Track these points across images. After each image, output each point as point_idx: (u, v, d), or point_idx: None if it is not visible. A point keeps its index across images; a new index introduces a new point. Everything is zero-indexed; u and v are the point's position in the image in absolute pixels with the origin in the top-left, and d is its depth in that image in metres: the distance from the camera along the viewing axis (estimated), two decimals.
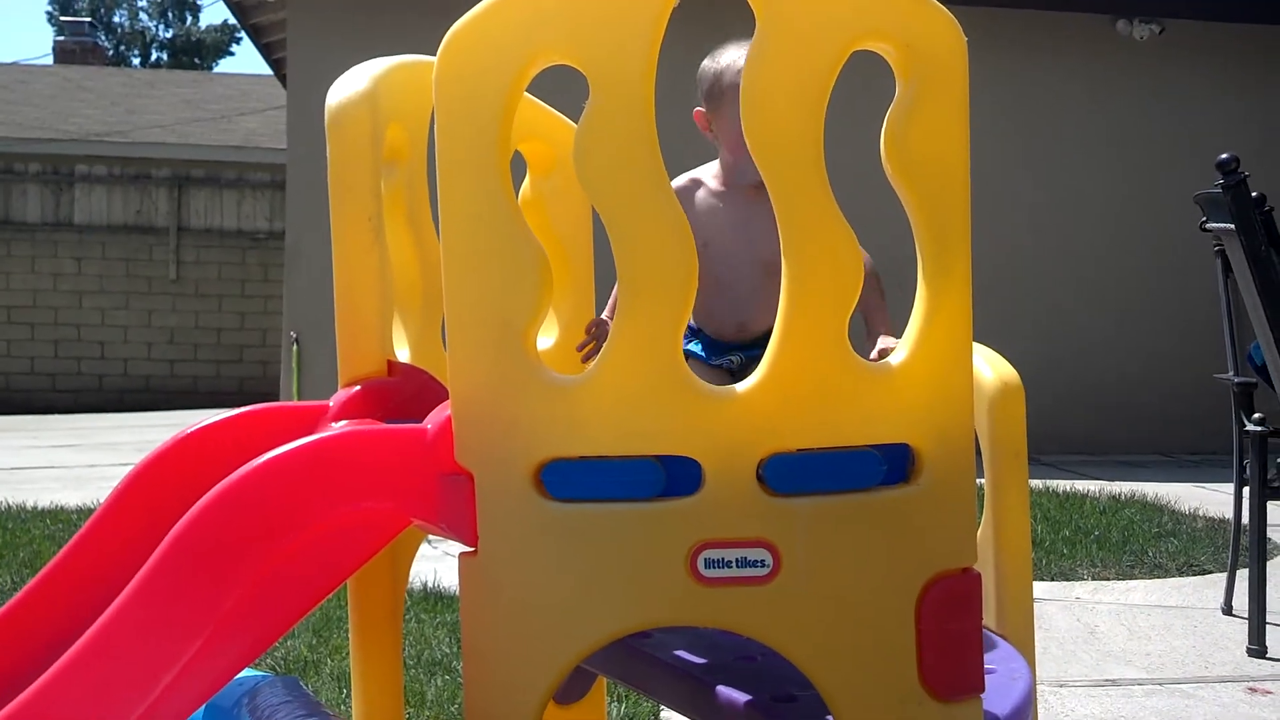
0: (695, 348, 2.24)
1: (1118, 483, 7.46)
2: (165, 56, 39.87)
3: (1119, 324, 9.74)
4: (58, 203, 15.83)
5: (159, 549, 1.45)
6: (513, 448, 1.46)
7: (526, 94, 1.63)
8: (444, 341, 1.53)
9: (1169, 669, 3.81)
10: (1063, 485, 7.18)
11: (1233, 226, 3.99)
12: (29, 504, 6.20)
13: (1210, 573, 5.07)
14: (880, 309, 2.08)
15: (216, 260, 16.02)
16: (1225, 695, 3.55)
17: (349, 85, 1.90)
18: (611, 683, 2.63)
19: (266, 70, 14.00)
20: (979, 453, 1.83)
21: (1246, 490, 4.18)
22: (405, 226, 2.03)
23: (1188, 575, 5.08)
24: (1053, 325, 9.59)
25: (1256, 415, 4.13)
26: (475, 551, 1.48)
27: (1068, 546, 5.41)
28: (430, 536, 1.98)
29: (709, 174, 2.22)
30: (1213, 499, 6.81)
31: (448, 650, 3.64)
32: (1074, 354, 9.61)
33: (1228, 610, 4.43)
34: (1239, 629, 4.14)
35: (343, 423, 1.79)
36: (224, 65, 40.24)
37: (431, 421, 1.55)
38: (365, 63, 1.95)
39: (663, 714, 3.18)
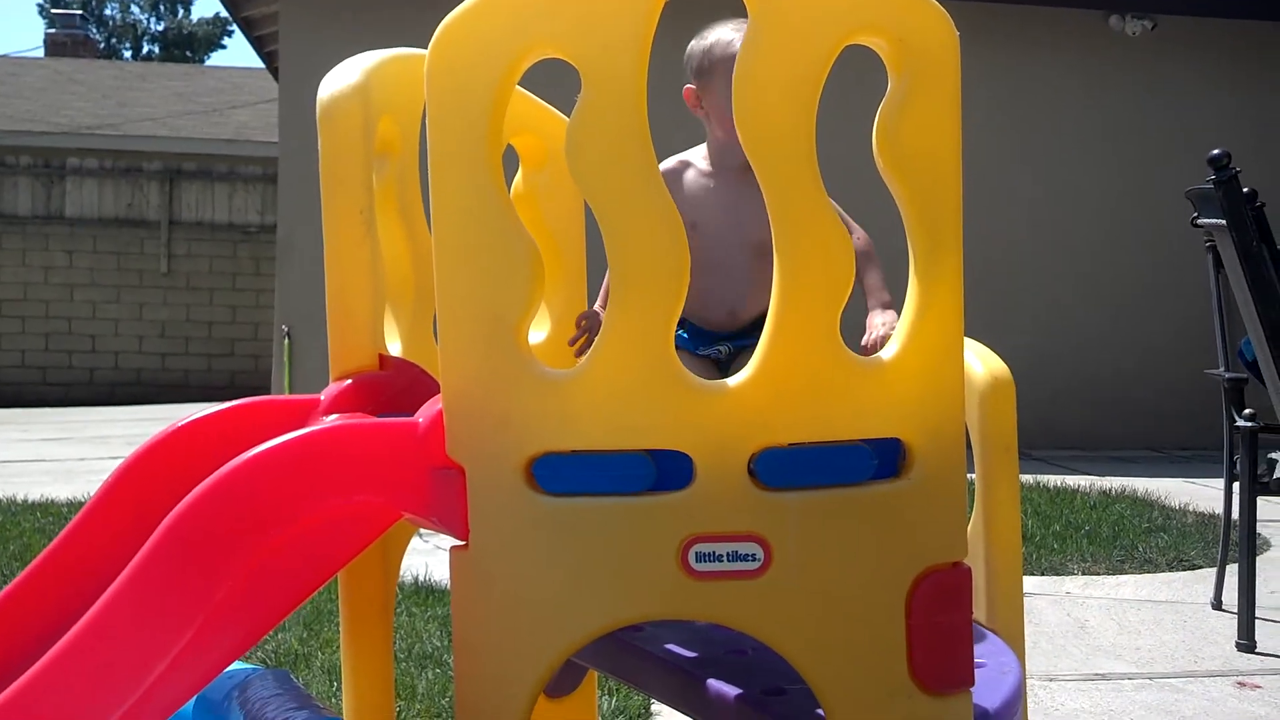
0: (682, 338, 2.22)
1: (1108, 478, 7.49)
2: (157, 49, 39.78)
3: (1114, 319, 9.76)
4: (49, 195, 15.79)
5: (150, 541, 1.45)
6: (504, 442, 1.46)
7: (519, 88, 1.63)
8: (436, 335, 1.53)
9: (1159, 663, 3.82)
10: (1053, 480, 7.20)
11: (1224, 222, 4.00)
12: (19, 497, 6.19)
13: (1200, 568, 5.08)
14: (880, 287, 2.07)
15: (208, 253, 15.99)
16: (1214, 689, 3.57)
17: (340, 78, 1.89)
18: (602, 676, 2.63)
19: (258, 63, 13.98)
20: (970, 447, 1.83)
21: (1237, 485, 4.19)
22: (397, 220, 2.03)
23: (1178, 570, 5.09)
24: (1048, 320, 9.61)
25: (1247, 411, 4.15)
26: (466, 545, 1.48)
27: (1058, 541, 5.43)
28: (421, 530, 1.98)
29: (698, 156, 2.21)
30: (1203, 494, 6.83)
31: (439, 644, 3.64)
32: (1069, 349, 9.63)
33: (1217, 605, 4.45)
34: (1228, 624, 4.15)
35: (334, 416, 1.79)
36: (215, 58, 40.29)
37: (423, 415, 1.55)
38: (357, 56, 1.95)
39: (653, 707, 3.19)
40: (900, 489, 1.50)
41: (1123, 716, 3.33)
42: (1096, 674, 3.71)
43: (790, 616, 1.47)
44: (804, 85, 1.45)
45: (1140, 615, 4.38)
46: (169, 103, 17.74)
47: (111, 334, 15.81)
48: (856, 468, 1.49)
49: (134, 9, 40.29)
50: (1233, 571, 4.24)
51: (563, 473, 1.46)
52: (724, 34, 2.09)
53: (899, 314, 1.56)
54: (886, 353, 1.52)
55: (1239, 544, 4.10)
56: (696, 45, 2.15)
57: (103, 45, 34.72)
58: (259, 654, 3.51)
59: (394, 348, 2.01)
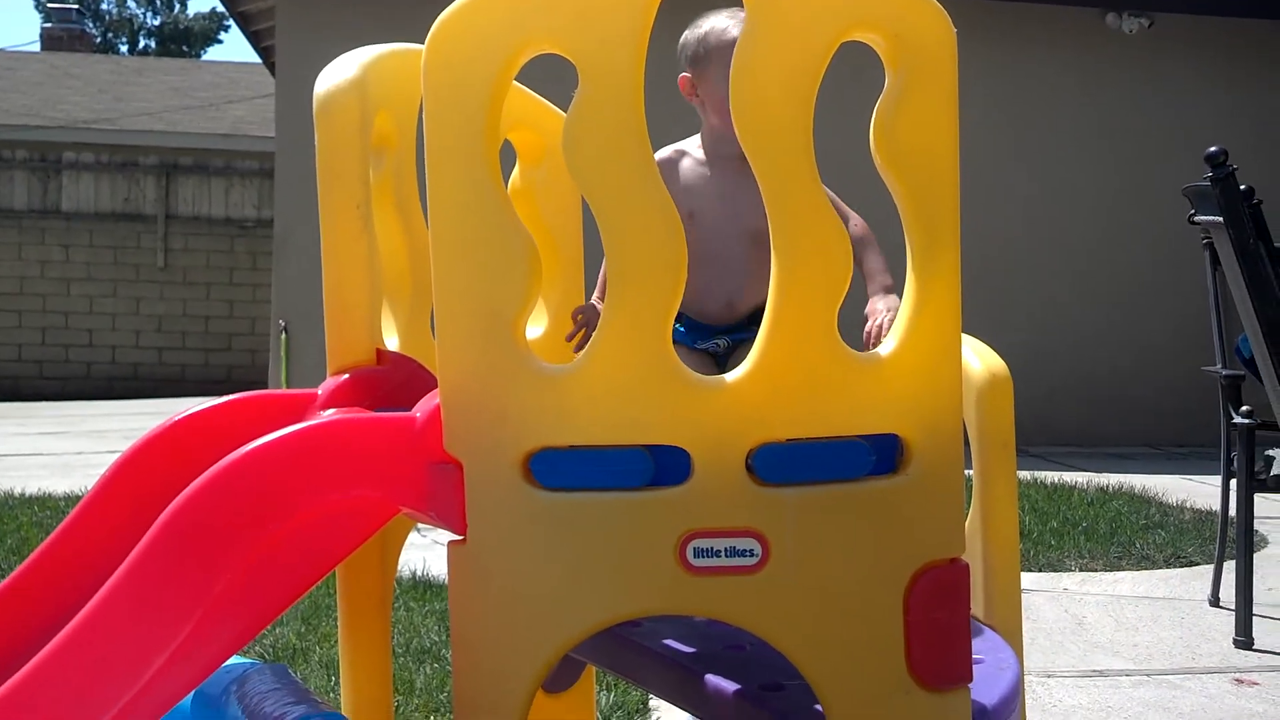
0: (679, 332, 2.21)
1: (1105, 474, 7.49)
2: (153, 44, 39.72)
3: (1111, 317, 9.77)
4: (45, 190, 15.78)
5: (148, 534, 1.45)
6: (501, 437, 1.46)
7: (516, 83, 1.63)
8: (433, 330, 1.53)
9: (1156, 660, 3.82)
10: (1051, 477, 7.20)
11: (1221, 220, 4.00)
12: (16, 491, 6.19)
13: (1197, 564, 5.09)
14: (881, 270, 2.06)
15: (205, 248, 15.98)
16: (1212, 686, 3.57)
17: (337, 73, 1.89)
18: (600, 671, 2.63)
19: (255, 58, 13.96)
20: (967, 444, 1.83)
21: (1234, 482, 4.19)
22: (394, 215, 2.03)
23: (1175, 567, 5.10)
24: (1044, 317, 9.61)
25: (1244, 408, 4.15)
26: (464, 540, 1.48)
27: (1055, 538, 5.43)
28: (419, 525, 1.98)
29: (693, 145, 2.20)
30: (1200, 491, 6.84)
31: (436, 638, 3.64)
32: (1066, 346, 9.63)
33: (1215, 602, 4.45)
34: (1226, 620, 4.16)
35: (331, 411, 1.79)
36: (212, 53, 40.14)
37: (420, 410, 1.55)
38: (354, 50, 1.94)
39: (651, 703, 3.19)
40: (898, 485, 1.50)
41: (1120, 713, 3.33)
42: (1094, 670, 3.71)
43: (788, 612, 1.47)
44: (801, 81, 1.45)
45: (1138, 612, 4.38)
46: (165, 97, 17.71)
47: (109, 328, 15.80)
48: (854, 464, 1.49)
49: (130, 3, 40.23)
50: (1230, 568, 4.24)
51: (560, 468, 1.46)
52: (718, 22, 2.10)
53: (900, 298, 1.56)
54: (884, 348, 1.52)
55: (1236, 541, 4.10)
56: (691, 34, 2.15)
57: (99, 39, 34.68)
58: (257, 648, 3.51)
59: (391, 342, 2.00)
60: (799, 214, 1.46)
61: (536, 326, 2.24)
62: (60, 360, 15.70)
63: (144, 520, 1.57)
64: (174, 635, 1.42)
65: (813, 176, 1.47)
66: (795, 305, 1.46)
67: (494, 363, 1.46)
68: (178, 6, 40.63)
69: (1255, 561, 4.17)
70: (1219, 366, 4.36)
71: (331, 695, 3.04)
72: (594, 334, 1.46)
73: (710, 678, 1.67)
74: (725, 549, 1.45)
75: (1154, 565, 5.10)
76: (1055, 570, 4.96)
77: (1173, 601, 4.54)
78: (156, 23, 40.40)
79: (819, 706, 1.48)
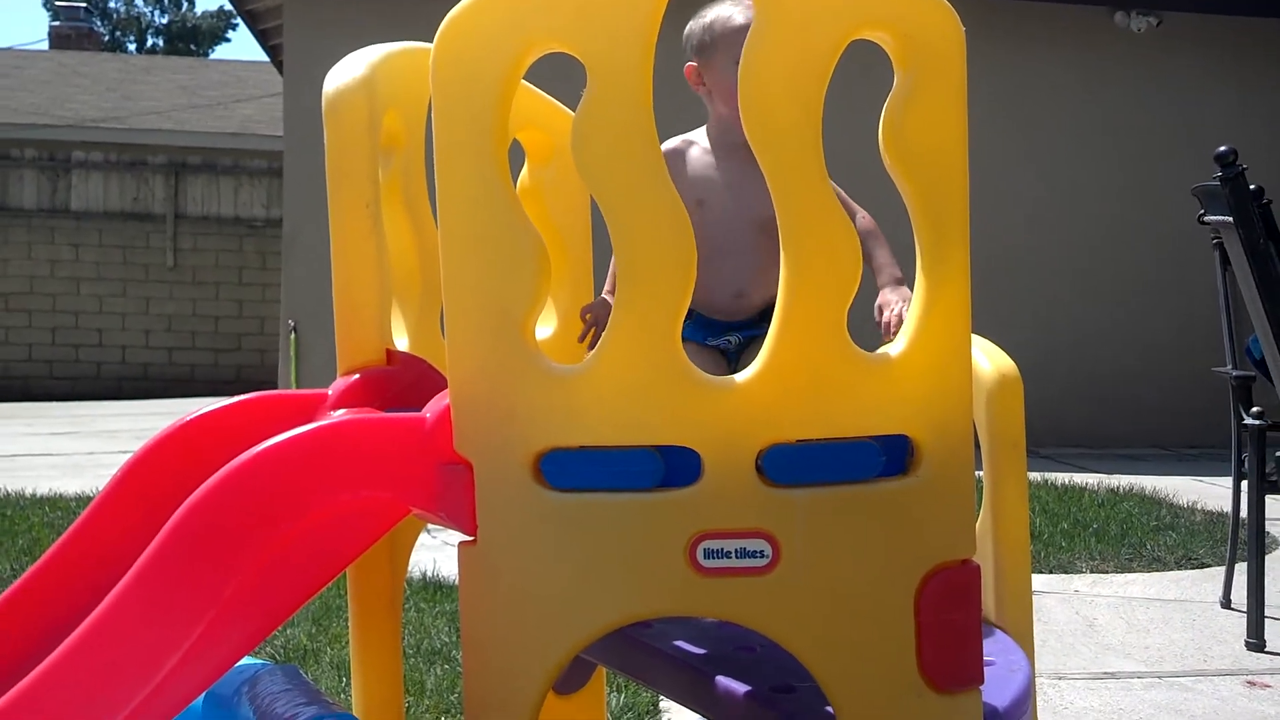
0: (689, 330, 2.19)
1: (1116, 476, 7.47)
2: (161, 42, 39.80)
3: (1117, 316, 9.74)
4: (54, 189, 15.81)
5: (160, 535, 1.45)
6: (511, 437, 1.46)
7: (524, 82, 1.63)
8: (442, 330, 1.52)
9: (1168, 662, 3.81)
10: (1061, 478, 7.19)
11: (1231, 219, 3.99)
12: (27, 491, 6.20)
13: (1209, 566, 5.07)
14: (890, 263, 2.06)
15: (214, 248, 16.01)
16: (1224, 688, 3.56)
17: (346, 72, 1.89)
18: (611, 673, 2.63)
19: (263, 57, 13.96)
20: (977, 445, 1.83)
21: (1245, 484, 4.18)
22: (403, 214, 2.02)
23: (1186, 569, 5.08)
24: (1051, 317, 9.59)
25: (1255, 409, 4.13)
26: (474, 541, 1.48)
27: (1066, 539, 5.41)
28: (429, 525, 1.98)
29: (701, 135, 2.20)
30: (1211, 492, 6.82)
31: (447, 639, 3.64)
32: (1072, 346, 9.61)
33: (1226, 604, 4.43)
34: (1237, 622, 4.14)
35: (341, 411, 1.79)
36: (220, 51, 40.22)
37: (430, 410, 1.55)
38: (362, 49, 1.94)
39: (662, 704, 3.19)
40: (908, 486, 1.50)
41: (1132, 715, 3.32)
42: (1105, 672, 3.70)
43: (799, 613, 1.47)
44: (809, 79, 1.44)
45: (1149, 614, 4.37)
46: (174, 96, 17.75)
47: (118, 328, 15.83)
48: (864, 465, 1.48)
49: (138, 2, 40.32)
50: (1241, 570, 4.23)
51: (570, 468, 1.46)
52: (724, 9, 2.09)
53: (911, 289, 1.55)
54: (894, 348, 1.52)
55: (1247, 542, 4.08)
56: (696, 23, 2.14)
57: (107, 38, 34.74)
58: (268, 649, 3.51)
59: (401, 342, 2.00)
60: (807, 213, 1.46)
61: (546, 326, 2.24)
62: (70, 360, 15.73)
63: (155, 521, 1.57)
64: (186, 636, 1.42)
65: (821, 175, 1.46)
66: (804, 305, 1.46)
67: (503, 362, 1.46)
68: (186, 5, 40.71)
69: (1267, 563, 4.15)
70: (1229, 367, 4.34)
71: (342, 696, 3.05)
72: (603, 334, 1.46)
73: (721, 679, 1.67)
74: (735, 550, 1.45)
75: (1165, 567, 5.08)
76: (1066, 572, 4.95)
77: (1184, 603, 4.52)
78: (164, 21, 40.49)
79: (830, 708, 1.48)
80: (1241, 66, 9.89)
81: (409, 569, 2.22)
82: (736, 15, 2.05)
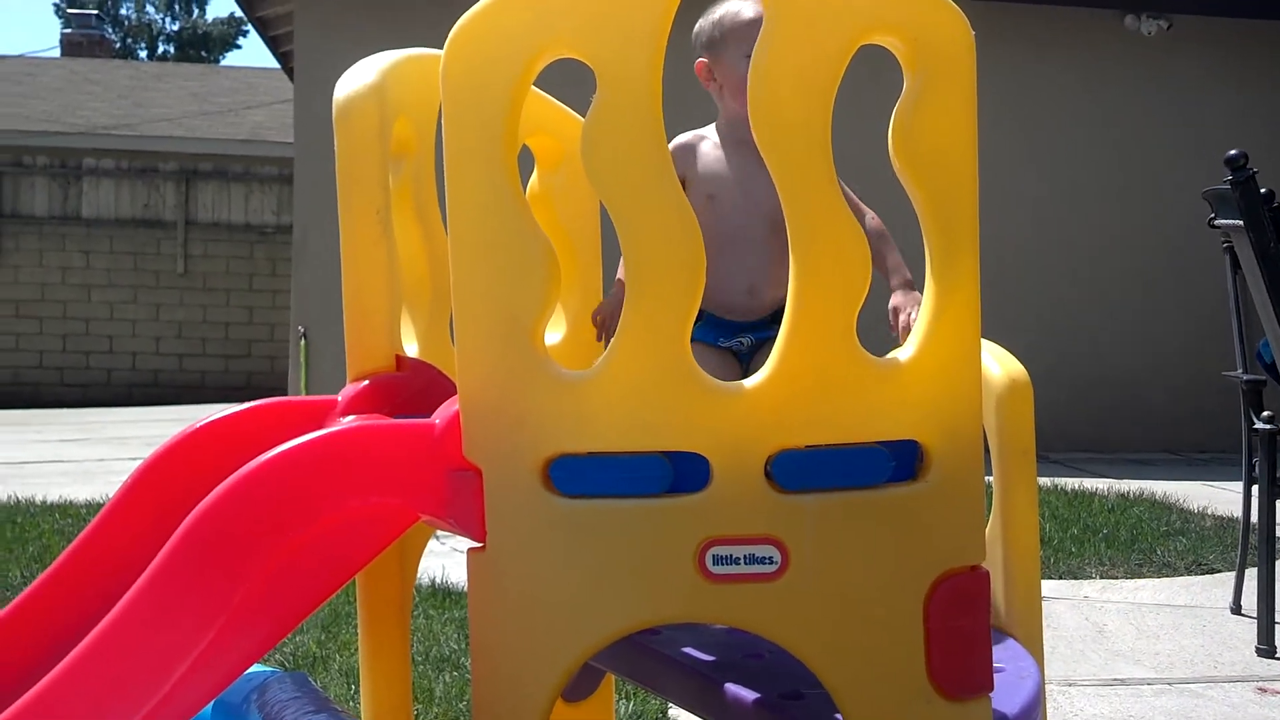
0: (701, 331, 2.19)
1: (1126, 481, 7.45)
2: (172, 49, 39.93)
3: (1124, 319, 9.72)
4: (65, 196, 15.85)
5: (170, 542, 1.45)
6: (520, 443, 1.46)
7: (534, 88, 1.63)
8: (452, 336, 1.53)
9: (1178, 668, 3.80)
10: (1071, 483, 7.17)
11: (1241, 223, 3.98)
12: (37, 498, 6.21)
13: (1219, 572, 5.05)
14: (901, 265, 2.06)
15: (224, 254, 16.04)
16: (1235, 695, 3.55)
17: (356, 78, 1.89)
18: (620, 680, 2.62)
19: (273, 63, 14.01)
20: (987, 450, 1.82)
21: (1255, 489, 4.16)
22: (413, 220, 2.03)
23: (1196, 574, 5.06)
24: (1056, 320, 9.57)
25: (1266, 413, 4.12)
26: (483, 547, 1.48)
27: (1076, 545, 5.40)
28: (438, 532, 1.98)
29: (712, 130, 2.20)
30: (1221, 497, 6.80)
31: (456, 646, 3.64)
32: (1078, 349, 9.59)
33: (1236, 610, 4.42)
34: (1248, 628, 4.13)
35: (351, 418, 1.79)
36: (231, 58, 40.41)
37: (439, 417, 1.55)
38: (372, 56, 1.94)
39: (671, 712, 3.18)
40: (918, 491, 1.49)
41: None
42: (1115, 679, 3.69)
43: (808, 620, 1.46)
44: (819, 84, 1.44)
45: (1159, 620, 4.35)
46: (184, 103, 17.79)
47: (129, 335, 15.86)
48: (873, 470, 1.48)
49: (149, 8, 40.45)
50: (1252, 576, 4.21)
51: (579, 474, 1.45)
52: (732, 4, 2.10)
53: (920, 293, 1.55)
54: (904, 353, 1.52)
55: (1258, 548, 4.07)
56: (705, 20, 2.15)
57: (118, 45, 34.86)
58: (277, 656, 3.51)
59: (410, 349, 2.00)
60: (816, 218, 1.46)
61: (555, 332, 2.24)
62: (81, 367, 15.76)
63: (165, 528, 1.58)
64: (195, 644, 1.42)
65: (830, 180, 1.46)
66: (813, 310, 1.46)
67: (513, 368, 1.46)
68: (197, 11, 40.84)
69: (1278, 569, 4.14)
70: (1240, 371, 4.33)
71: (351, 704, 3.05)
72: (613, 339, 1.46)
73: (729, 686, 1.67)
74: (744, 556, 1.45)
75: (1175, 572, 5.07)
76: (1076, 578, 4.93)
77: (1194, 609, 4.51)
78: (175, 28, 40.62)
79: (839, 715, 1.48)
80: (1244, 68, 9.87)
81: (418, 576, 2.23)
82: (745, 9, 2.06)
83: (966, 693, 1.49)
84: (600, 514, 1.45)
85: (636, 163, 1.44)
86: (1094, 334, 9.68)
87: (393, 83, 1.90)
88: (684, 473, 1.45)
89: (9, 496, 6.24)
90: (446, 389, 1.79)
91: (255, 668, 1.98)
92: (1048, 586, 4.58)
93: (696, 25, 2.16)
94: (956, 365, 1.51)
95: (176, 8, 40.61)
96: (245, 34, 40.12)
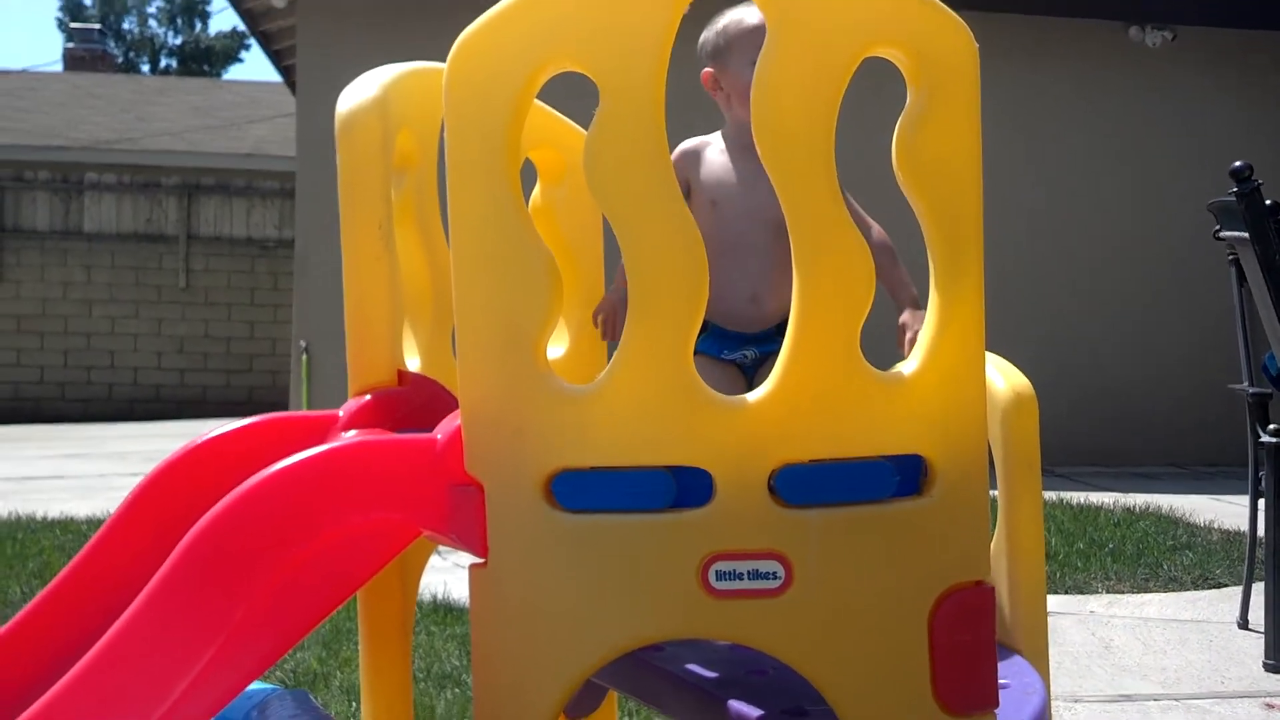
0: (705, 344, 2.18)
1: (1132, 494, 7.43)
2: (174, 63, 40.05)
3: (1126, 330, 9.71)
4: (67, 210, 15.87)
5: (170, 559, 1.45)
6: (523, 458, 1.45)
7: (537, 101, 1.63)
8: (454, 351, 1.52)
9: (1185, 684, 3.78)
10: (1076, 497, 7.15)
11: (1247, 235, 3.97)
12: (38, 514, 6.20)
13: (1225, 586, 5.03)
14: (908, 281, 2.05)
15: (226, 269, 16.05)
16: (1242, 711, 3.53)
17: (359, 92, 1.89)
18: (622, 697, 2.61)
19: (276, 77, 14.06)
20: (992, 464, 1.81)
21: (1262, 502, 4.15)
22: (415, 234, 2.02)
23: (1203, 589, 5.04)
24: (1059, 332, 9.56)
25: (1272, 426, 4.11)
26: (485, 562, 1.47)
27: (1082, 559, 5.38)
28: (440, 547, 1.97)
29: (717, 137, 2.20)
30: (1228, 511, 6.78)
31: (458, 663, 3.62)
32: (1081, 361, 9.57)
33: (1243, 624, 4.40)
34: (1255, 643, 4.11)
35: (352, 432, 1.78)
36: (233, 72, 40.57)
37: (441, 431, 1.54)
38: (375, 69, 1.94)
39: None
40: (922, 506, 1.49)
41: None
42: (1122, 695, 3.67)
43: (811, 636, 1.45)
44: (822, 96, 1.44)
45: (1166, 635, 4.33)
46: (187, 117, 17.83)
47: (130, 349, 15.87)
48: (878, 484, 1.47)
49: (152, 23, 40.58)
50: (1259, 590, 4.19)
51: (582, 489, 1.45)
52: (736, 13, 2.10)
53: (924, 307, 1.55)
54: (908, 367, 1.51)
55: (1265, 562, 4.05)
56: (709, 31, 2.16)
57: (121, 59, 34.95)
58: (277, 674, 3.50)
59: (412, 363, 2.00)
60: (819, 229, 1.45)
61: (557, 346, 2.24)
62: (82, 382, 15.76)
63: (167, 544, 1.57)
64: (196, 661, 1.41)
65: (833, 191, 1.46)
66: (816, 324, 1.45)
67: (515, 382, 1.45)
68: (199, 26, 40.97)
69: None
70: (1246, 384, 4.32)
71: None
72: (615, 352, 1.45)
73: (733, 703, 1.66)
74: (748, 571, 1.44)
75: (1182, 587, 5.05)
76: (1082, 592, 4.91)
77: (1201, 624, 4.49)
78: (178, 42, 40.73)
79: None
80: (1248, 80, 9.88)
81: (420, 592, 2.22)
82: (749, 17, 2.06)
83: (971, 709, 1.48)
84: (603, 529, 1.45)
85: (639, 176, 1.43)
86: (1096, 346, 9.67)
87: (395, 96, 1.90)
88: (687, 487, 1.44)
89: (10, 512, 6.23)
90: (448, 403, 1.78)
91: (256, 685, 1.97)
92: (1053, 601, 4.56)
93: (701, 36, 2.16)
94: (961, 378, 1.50)
95: (179, 22, 40.75)
96: (248, 48, 40.28)
